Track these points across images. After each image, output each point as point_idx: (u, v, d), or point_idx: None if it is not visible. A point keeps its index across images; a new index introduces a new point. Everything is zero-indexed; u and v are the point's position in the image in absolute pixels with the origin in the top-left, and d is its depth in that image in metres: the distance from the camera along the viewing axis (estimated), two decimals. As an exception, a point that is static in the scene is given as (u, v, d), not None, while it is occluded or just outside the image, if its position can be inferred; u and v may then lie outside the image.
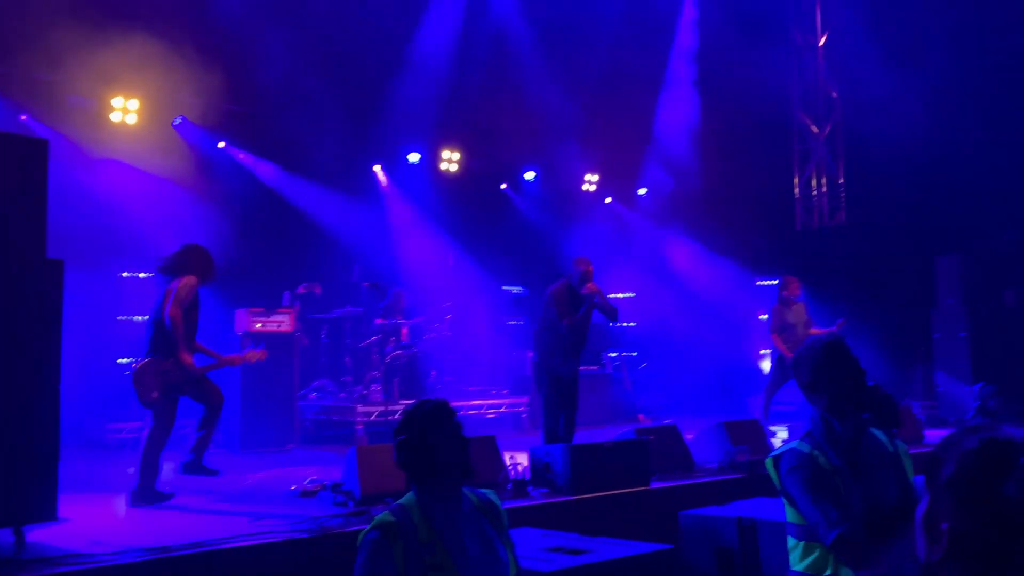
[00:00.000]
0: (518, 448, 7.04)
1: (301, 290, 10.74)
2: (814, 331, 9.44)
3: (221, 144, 11.28)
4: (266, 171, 11.69)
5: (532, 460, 6.26)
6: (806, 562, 2.94)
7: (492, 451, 6.23)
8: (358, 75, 11.53)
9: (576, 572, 3.79)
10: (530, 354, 8.88)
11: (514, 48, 12.85)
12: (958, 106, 12.22)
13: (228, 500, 6.15)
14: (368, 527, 2.62)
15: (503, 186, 14.36)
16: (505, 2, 12.97)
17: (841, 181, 15.01)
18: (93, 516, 5.52)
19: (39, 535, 4.71)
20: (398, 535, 2.57)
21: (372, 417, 9.47)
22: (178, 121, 10.74)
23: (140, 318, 9.93)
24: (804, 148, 15.37)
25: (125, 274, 10.06)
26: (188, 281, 6.18)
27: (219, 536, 4.64)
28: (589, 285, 7.49)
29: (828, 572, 2.90)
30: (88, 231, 8.90)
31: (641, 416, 11.86)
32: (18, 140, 4.99)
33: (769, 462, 3.10)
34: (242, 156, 11.55)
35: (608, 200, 15.38)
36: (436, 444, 2.69)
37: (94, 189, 9.57)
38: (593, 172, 14.92)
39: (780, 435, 8.69)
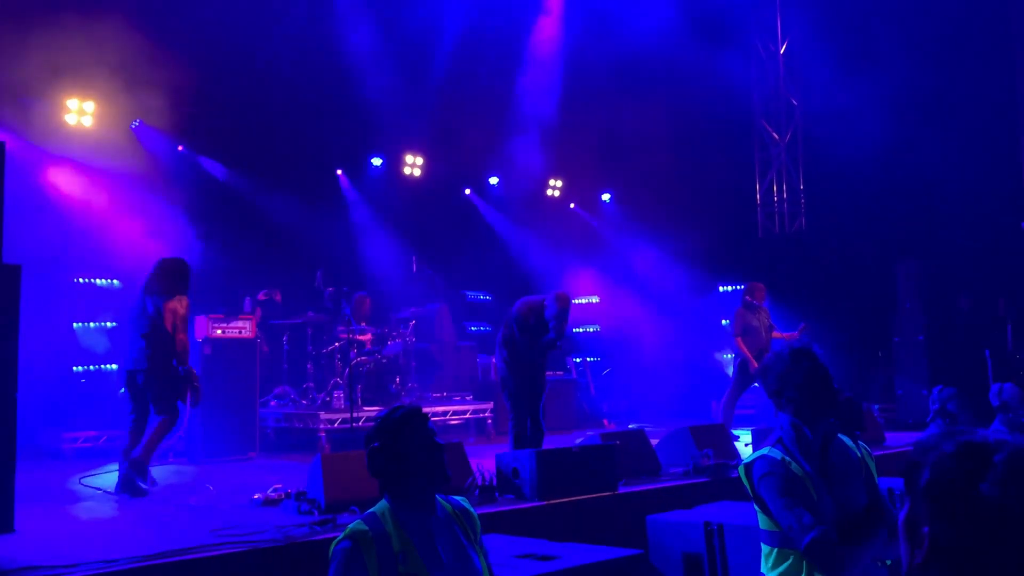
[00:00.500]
0: (484, 455, 7.01)
1: (262, 296, 10.63)
2: (777, 335, 9.54)
3: (180, 148, 11.12)
4: (226, 176, 11.55)
5: (499, 466, 6.24)
6: (780, 568, 2.95)
7: (460, 457, 6.19)
8: (320, 79, 11.44)
9: (545, 579, 3.75)
10: (494, 359, 8.87)
11: (477, 53, 12.83)
12: (915, 114, 12.45)
13: (189, 510, 6.04)
14: (340, 536, 2.56)
15: (467, 191, 14.34)
16: (466, 7, 12.95)
17: (802, 187, 15.21)
18: (50, 528, 5.38)
19: (-6, 548, 4.58)
20: (371, 544, 2.52)
21: (335, 424, 9.37)
22: (136, 124, 10.56)
23: (95, 325, 9.78)
24: (766, 155, 15.55)
25: (81, 280, 9.85)
26: (184, 302, 6.76)
27: (180, 547, 4.54)
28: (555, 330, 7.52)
29: (801, 577, 2.90)
30: (41, 235, 8.71)
31: (606, 421, 11.89)
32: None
33: (742, 469, 3.10)
34: (202, 160, 11.40)
35: (572, 206, 15.44)
36: (410, 451, 2.65)
37: (47, 192, 9.38)
38: (556, 177, 14.96)
39: (744, 439, 8.76)
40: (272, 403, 10.24)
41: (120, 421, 9.22)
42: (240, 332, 9.13)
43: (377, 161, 12.88)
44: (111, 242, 9.61)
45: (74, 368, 9.47)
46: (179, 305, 6.72)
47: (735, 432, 8.84)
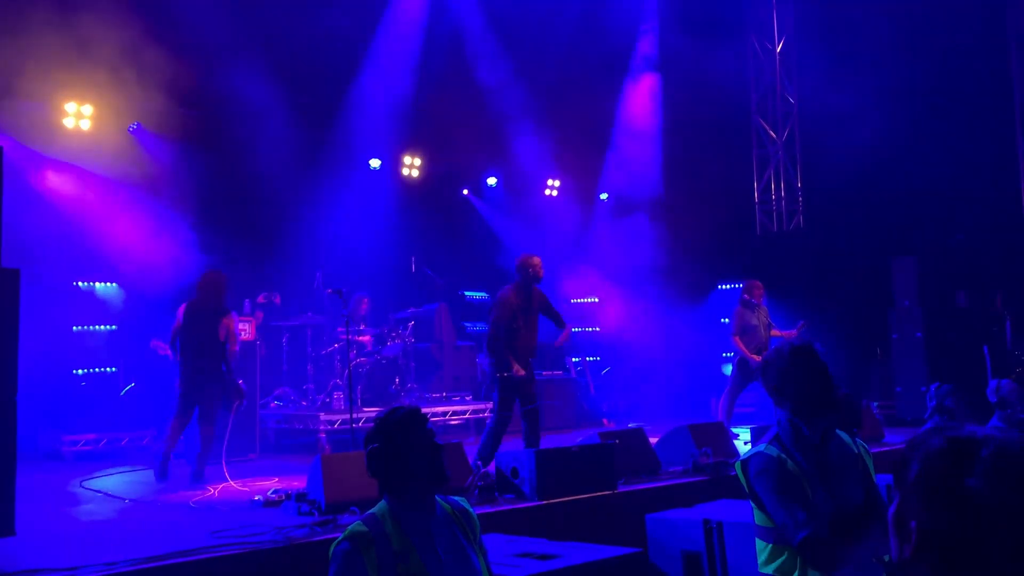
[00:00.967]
0: (484, 454, 7.01)
1: (261, 299, 10.63)
2: (775, 333, 9.54)
3: (177, 150, 11.11)
4: (225, 178, 11.54)
5: (498, 466, 6.25)
6: (775, 564, 2.96)
7: (459, 457, 6.21)
8: (318, 80, 11.45)
9: (545, 578, 3.77)
10: (483, 359, 8.86)
11: (475, 53, 12.84)
12: (913, 111, 12.46)
13: (190, 511, 6.06)
14: (340, 537, 2.58)
15: (465, 192, 14.35)
16: (464, 7, 12.97)
17: (799, 185, 15.22)
18: (51, 530, 5.39)
19: (-5, 551, 4.60)
20: (371, 545, 2.53)
21: (335, 425, 9.39)
22: (134, 127, 10.57)
23: (96, 328, 9.79)
24: (763, 153, 15.56)
25: (80, 283, 9.86)
26: (234, 318, 8.04)
27: (181, 548, 4.56)
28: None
29: (796, 574, 2.91)
30: (40, 239, 8.72)
31: (605, 420, 11.90)
32: (-30, 146, 4.87)
33: (738, 466, 3.12)
34: (200, 163, 11.38)
35: (569, 205, 15.42)
36: (409, 452, 2.66)
37: (46, 196, 9.39)
38: (555, 177, 14.97)
39: (743, 437, 8.77)
40: (272, 404, 10.26)
41: (120, 422, 9.28)
42: (240, 334, 9.12)
43: (375, 162, 12.88)
44: (110, 245, 9.61)
45: (74, 371, 9.49)
46: (231, 321, 7.88)
47: (734, 430, 8.85)
